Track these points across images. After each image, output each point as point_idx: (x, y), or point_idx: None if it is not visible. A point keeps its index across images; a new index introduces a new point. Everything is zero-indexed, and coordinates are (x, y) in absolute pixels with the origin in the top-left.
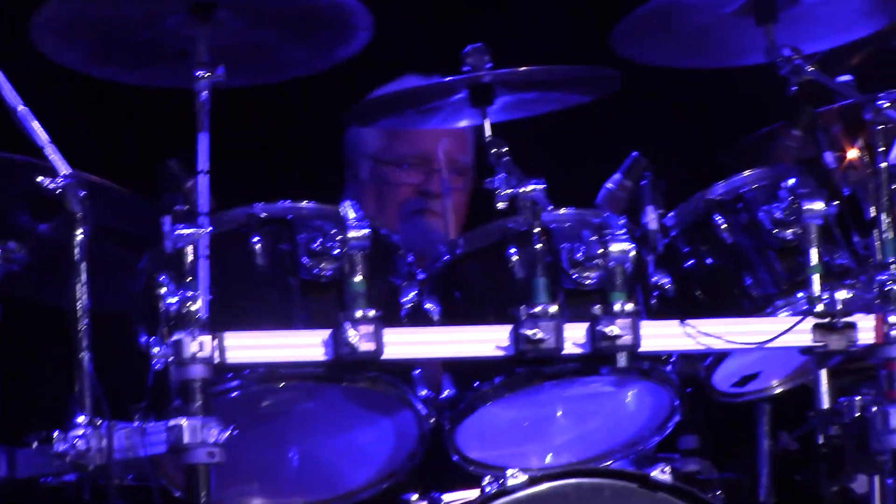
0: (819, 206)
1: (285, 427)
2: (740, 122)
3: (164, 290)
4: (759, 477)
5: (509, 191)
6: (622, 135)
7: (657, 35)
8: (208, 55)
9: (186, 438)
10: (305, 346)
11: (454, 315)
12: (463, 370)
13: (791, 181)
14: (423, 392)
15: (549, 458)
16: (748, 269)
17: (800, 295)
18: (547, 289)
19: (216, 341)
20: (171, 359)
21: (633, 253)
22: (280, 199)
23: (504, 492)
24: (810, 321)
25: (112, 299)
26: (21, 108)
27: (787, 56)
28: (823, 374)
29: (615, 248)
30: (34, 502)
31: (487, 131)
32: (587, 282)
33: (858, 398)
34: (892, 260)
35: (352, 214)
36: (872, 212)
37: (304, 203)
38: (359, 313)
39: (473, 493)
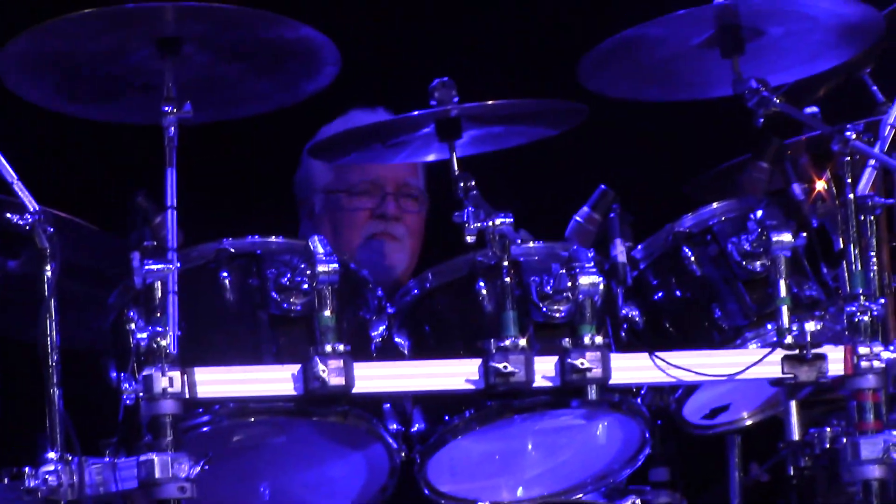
0: (787, 237)
1: (256, 461)
2: (708, 154)
3: (133, 325)
4: None
5: (478, 224)
6: (590, 167)
7: (623, 67)
8: (175, 90)
9: (157, 473)
10: (275, 380)
11: (424, 349)
12: (433, 404)
13: (759, 213)
14: (394, 426)
15: (520, 492)
16: (717, 301)
17: (769, 327)
18: (516, 322)
19: (186, 376)
20: (141, 394)
21: (602, 286)
22: (249, 234)
23: None
24: (780, 353)
25: (81, 335)
26: None
27: (753, 88)
28: (793, 405)
29: (584, 280)
30: None
31: (455, 165)
32: (556, 315)
33: (828, 429)
34: (860, 291)
35: (321, 249)
36: (841, 243)
37: (273, 238)
38: (329, 347)
39: None
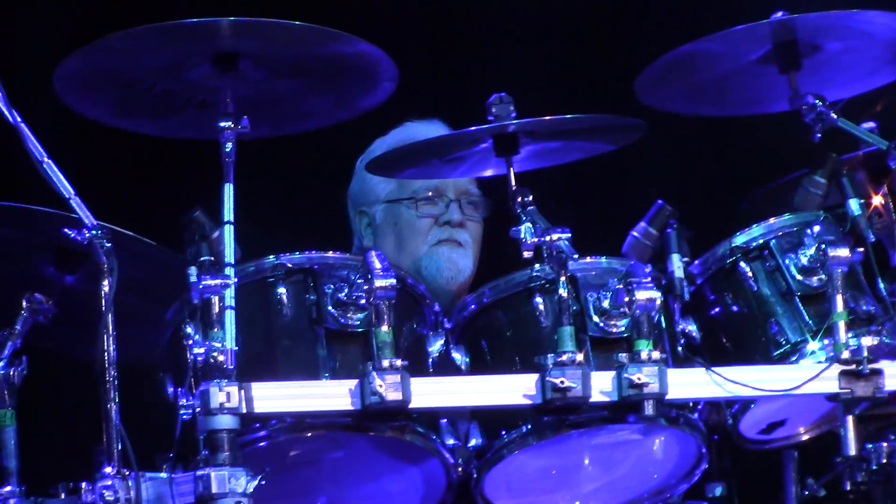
0: (844, 252)
1: (314, 476)
2: (765, 169)
3: (190, 340)
4: None
5: (535, 240)
6: (647, 183)
7: (680, 83)
8: (232, 106)
9: (214, 488)
10: (333, 395)
11: (481, 364)
12: (490, 419)
13: (816, 228)
14: (451, 441)
15: None
16: (774, 316)
17: (826, 342)
18: (573, 337)
19: (243, 392)
20: (198, 409)
21: (659, 301)
22: (306, 249)
23: None
24: (836, 368)
25: (139, 350)
26: (46, 160)
27: (810, 103)
28: (850, 420)
29: (641, 295)
30: None
31: (512, 181)
32: (613, 330)
33: (885, 444)
34: None
35: (378, 264)
36: None
37: (330, 253)
38: (386, 363)
39: None
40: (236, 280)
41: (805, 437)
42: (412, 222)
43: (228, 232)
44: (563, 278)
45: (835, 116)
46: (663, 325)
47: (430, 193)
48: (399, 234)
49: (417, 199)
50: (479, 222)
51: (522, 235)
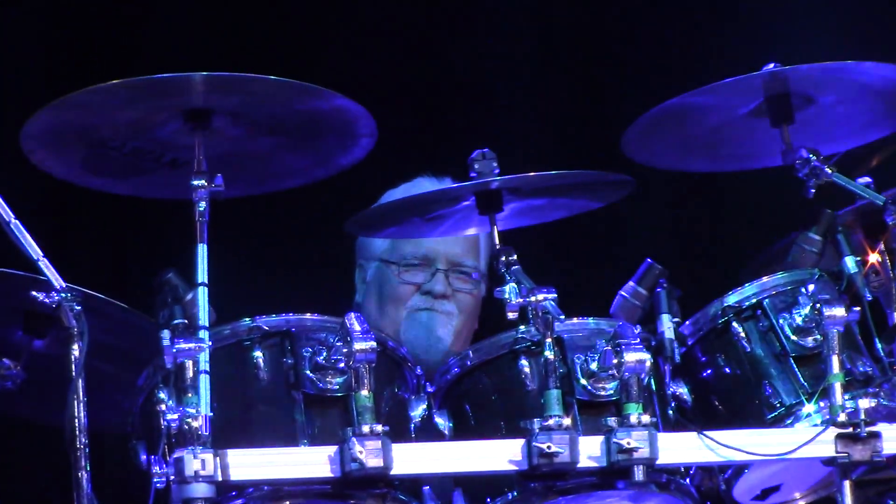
0: (840, 312)
1: None
2: (757, 225)
3: (164, 406)
4: None
5: (520, 300)
6: (635, 241)
7: (669, 137)
8: (205, 164)
9: None
10: (311, 462)
11: (465, 428)
12: (475, 485)
13: (811, 287)
14: None
15: None
16: (768, 378)
17: (821, 404)
18: (560, 401)
19: (219, 459)
20: (172, 477)
21: (648, 363)
22: (282, 312)
23: None
24: (833, 431)
25: (110, 417)
26: (13, 221)
27: (804, 158)
28: (847, 485)
29: (630, 357)
30: None
31: (496, 239)
32: (602, 393)
33: None
34: None
35: (357, 326)
36: (895, 317)
37: (308, 315)
38: (366, 428)
39: None
40: (211, 344)
41: (801, 503)
42: (395, 287)
43: (202, 294)
44: (549, 340)
45: (829, 171)
46: (653, 387)
47: (418, 261)
48: (382, 297)
49: (402, 264)
50: (470, 294)
51: (507, 296)
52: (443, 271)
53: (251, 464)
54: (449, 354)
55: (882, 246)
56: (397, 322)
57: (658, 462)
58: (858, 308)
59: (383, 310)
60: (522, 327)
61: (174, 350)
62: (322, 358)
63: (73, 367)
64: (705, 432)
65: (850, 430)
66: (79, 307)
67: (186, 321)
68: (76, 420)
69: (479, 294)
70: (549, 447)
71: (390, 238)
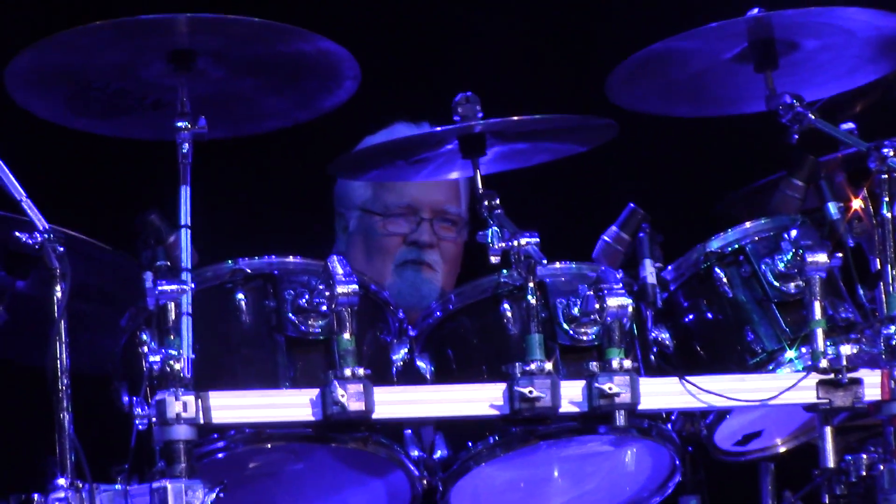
0: (822, 258)
1: (274, 489)
2: (740, 171)
3: (146, 348)
4: None
5: (502, 244)
6: (618, 185)
7: (653, 82)
8: (189, 105)
9: (171, 501)
10: (293, 405)
11: (447, 373)
12: (456, 429)
13: (793, 232)
14: (416, 452)
15: None
16: (750, 324)
17: (803, 350)
18: (542, 345)
19: (200, 401)
20: (154, 419)
21: (630, 308)
22: (265, 254)
23: None
24: (814, 377)
25: (92, 359)
26: None
27: (787, 103)
28: (828, 431)
29: (612, 302)
30: None
31: (479, 183)
32: (584, 338)
33: (865, 456)
34: None
35: (340, 269)
36: (878, 263)
37: (291, 258)
38: (348, 371)
39: None
40: (193, 286)
41: (782, 449)
42: (380, 238)
43: (185, 236)
44: (531, 284)
45: (813, 117)
46: (635, 332)
47: (403, 210)
48: (368, 248)
49: (387, 214)
50: (454, 242)
51: (489, 240)
52: (427, 220)
53: (233, 406)
54: None
55: (865, 192)
56: (384, 275)
57: (639, 407)
58: (841, 254)
59: (370, 261)
60: (505, 271)
61: (157, 291)
62: (304, 301)
63: (56, 308)
64: (687, 377)
65: (832, 376)
66: (62, 248)
67: (169, 263)
68: (58, 361)
69: (462, 241)
70: (530, 392)
71: (374, 181)
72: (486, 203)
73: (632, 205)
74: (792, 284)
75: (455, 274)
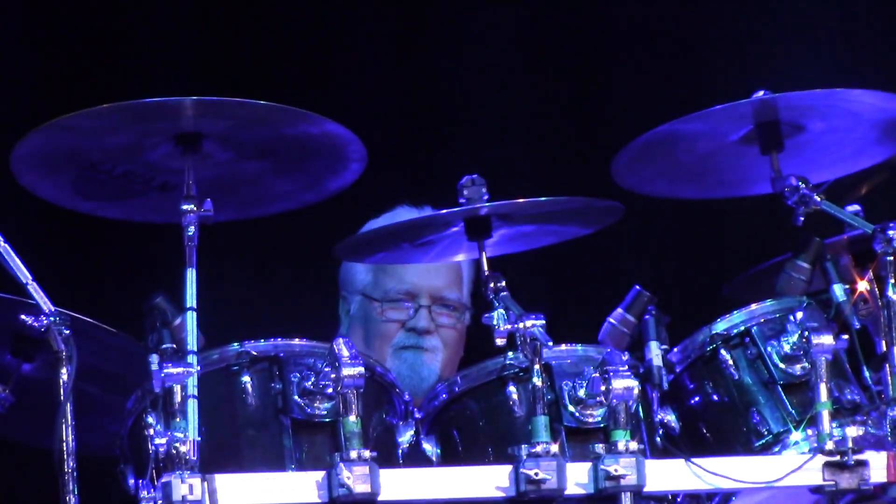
0: (828, 340)
1: None
2: (746, 253)
3: (152, 430)
4: None
5: (508, 326)
6: (624, 268)
7: (658, 164)
8: (195, 188)
9: None
10: (299, 488)
11: (453, 454)
12: None
13: (799, 314)
14: None
15: None
16: (756, 406)
17: (809, 432)
18: (548, 427)
19: (206, 484)
20: (160, 502)
21: (636, 390)
22: (271, 337)
23: None
24: (820, 459)
25: (99, 441)
26: (2, 244)
27: (793, 185)
28: None
29: (618, 384)
30: None
31: (484, 265)
32: (589, 420)
33: None
34: None
35: (346, 352)
36: (884, 346)
37: (296, 340)
38: (354, 454)
39: None
40: (199, 368)
41: None
42: (378, 325)
43: (191, 319)
44: (537, 366)
45: (818, 199)
46: (641, 414)
47: (402, 295)
48: (367, 332)
49: (386, 300)
50: (453, 328)
51: (495, 322)
52: (426, 307)
53: (239, 489)
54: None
55: (871, 274)
56: (383, 359)
57: (645, 489)
58: (847, 336)
59: (369, 346)
60: (511, 354)
61: (162, 374)
62: (310, 383)
63: (62, 390)
64: (693, 459)
65: (838, 458)
66: (68, 331)
67: (175, 346)
68: (64, 444)
69: (463, 326)
70: (536, 473)
71: (379, 263)
72: (491, 285)
73: (637, 287)
74: (798, 366)
75: (457, 359)
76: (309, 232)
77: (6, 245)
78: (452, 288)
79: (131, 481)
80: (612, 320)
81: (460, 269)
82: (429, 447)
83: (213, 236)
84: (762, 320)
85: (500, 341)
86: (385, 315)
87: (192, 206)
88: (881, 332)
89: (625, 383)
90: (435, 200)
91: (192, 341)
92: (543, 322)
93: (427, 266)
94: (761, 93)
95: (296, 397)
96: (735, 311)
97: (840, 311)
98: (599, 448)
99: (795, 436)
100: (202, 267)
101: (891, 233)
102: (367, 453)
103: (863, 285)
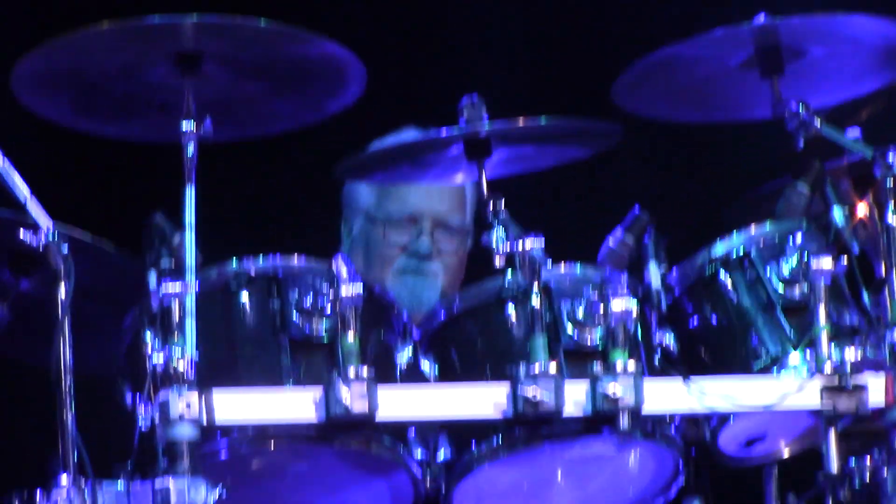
0: (827, 263)
1: (276, 489)
2: (745, 177)
3: (149, 348)
4: None
5: (507, 247)
6: (623, 189)
7: (659, 87)
8: (194, 108)
9: (174, 500)
10: (297, 405)
11: (451, 374)
12: (460, 430)
13: (798, 238)
14: (419, 453)
15: None
16: (754, 328)
17: (807, 354)
18: (546, 347)
19: (204, 400)
20: (157, 418)
21: (635, 310)
22: (270, 255)
23: None
24: (818, 382)
25: (96, 358)
26: (1, 162)
27: (793, 110)
28: (832, 436)
29: (617, 305)
30: None
31: (484, 186)
32: (588, 340)
33: (868, 461)
34: None
35: (344, 270)
36: (882, 269)
37: (295, 259)
38: (352, 372)
39: None
40: (197, 286)
41: (786, 453)
42: (381, 247)
43: (189, 237)
44: (535, 287)
45: (818, 124)
46: (639, 336)
47: (404, 219)
48: (368, 255)
49: (389, 222)
50: (454, 254)
51: (494, 243)
52: (428, 231)
53: (236, 406)
54: None
55: (870, 198)
56: (383, 282)
57: (643, 410)
58: (846, 260)
59: (370, 268)
60: (509, 274)
61: (160, 292)
62: (308, 302)
63: (60, 308)
64: (691, 380)
65: (836, 381)
66: (66, 248)
67: (173, 264)
68: (62, 361)
69: (465, 252)
70: (534, 394)
71: (378, 183)
72: (491, 205)
73: (637, 208)
74: (796, 289)
75: (457, 285)
76: (310, 153)
77: (6, 161)
78: (456, 213)
79: (129, 398)
80: (611, 241)
81: (464, 193)
82: (427, 366)
83: (212, 155)
84: (761, 243)
85: (499, 262)
86: (387, 238)
87: (192, 125)
88: (880, 256)
89: (623, 304)
90: (436, 122)
91: (190, 259)
92: (542, 242)
93: (431, 190)
94: (762, 17)
95: (294, 316)
96: (734, 234)
97: (839, 234)
98: (598, 369)
99: (793, 358)
100: (201, 186)
101: (890, 157)
102: (364, 372)
103: (862, 209)
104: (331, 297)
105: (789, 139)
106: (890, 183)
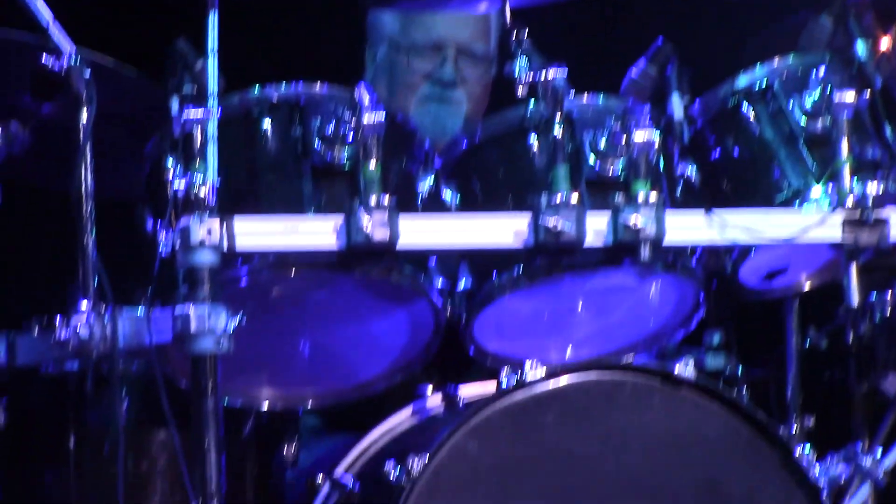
0: (850, 96)
1: (296, 316)
2: (770, 10)
3: (171, 174)
4: (786, 375)
5: (530, 76)
6: (647, 20)
7: None
8: None
9: (193, 326)
10: (318, 233)
11: (472, 203)
12: (481, 260)
13: (821, 70)
14: (440, 282)
15: (569, 352)
16: (777, 161)
17: (829, 187)
18: (568, 177)
19: (225, 227)
20: (177, 245)
21: (657, 142)
22: (292, 82)
23: (522, 385)
24: (840, 215)
25: (117, 185)
26: None
27: None
28: (853, 269)
29: (639, 136)
30: (34, 393)
31: (507, 14)
32: (610, 171)
33: (889, 295)
34: None
35: (367, 98)
36: None
37: (318, 86)
38: (373, 200)
39: (490, 386)
40: (219, 112)
41: (807, 286)
42: (405, 75)
43: (212, 62)
44: (558, 117)
45: None
46: (661, 167)
47: (429, 46)
48: (391, 83)
49: (413, 50)
50: (478, 82)
51: (517, 72)
52: (452, 59)
53: (257, 232)
54: None
55: (894, 32)
56: (406, 110)
57: (664, 241)
58: (868, 93)
59: (393, 96)
60: (532, 104)
61: (182, 118)
62: (331, 129)
63: (81, 133)
64: (713, 212)
65: (858, 214)
66: (88, 72)
67: (195, 89)
68: (83, 186)
69: (488, 80)
70: (555, 224)
71: (404, 10)
72: (514, 35)
73: (660, 39)
74: (819, 122)
75: (481, 113)
76: None
77: None
78: (480, 41)
79: (149, 224)
80: (634, 72)
81: (489, 21)
82: (448, 195)
83: None
84: (784, 76)
85: (521, 91)
86: (411, 65)
87: None
88: None
89: (646, 135)
90: None
91: (213, 85)
92: (566, 72)
93: (455, 17)
94: None
95: (316, 143)
96: (757, 66)
97: (862, 68)
98: (619, 199)
99: (816, 191)
100: (225, 11)
101: None
102: (386, 199)
103: (885, 43)
104: (353, 125)
105: None
106: None
